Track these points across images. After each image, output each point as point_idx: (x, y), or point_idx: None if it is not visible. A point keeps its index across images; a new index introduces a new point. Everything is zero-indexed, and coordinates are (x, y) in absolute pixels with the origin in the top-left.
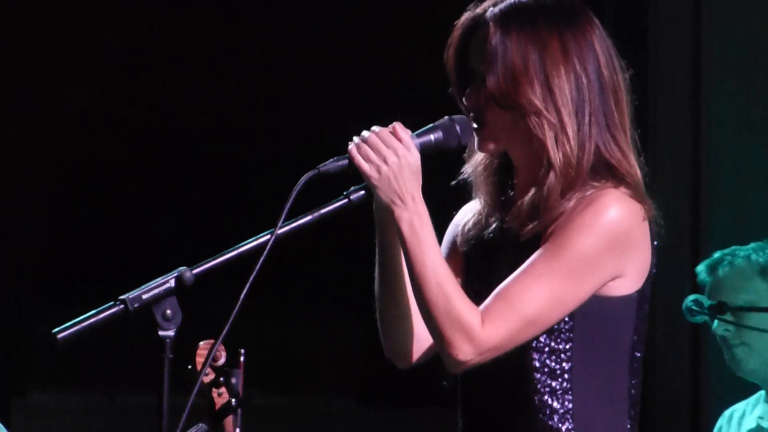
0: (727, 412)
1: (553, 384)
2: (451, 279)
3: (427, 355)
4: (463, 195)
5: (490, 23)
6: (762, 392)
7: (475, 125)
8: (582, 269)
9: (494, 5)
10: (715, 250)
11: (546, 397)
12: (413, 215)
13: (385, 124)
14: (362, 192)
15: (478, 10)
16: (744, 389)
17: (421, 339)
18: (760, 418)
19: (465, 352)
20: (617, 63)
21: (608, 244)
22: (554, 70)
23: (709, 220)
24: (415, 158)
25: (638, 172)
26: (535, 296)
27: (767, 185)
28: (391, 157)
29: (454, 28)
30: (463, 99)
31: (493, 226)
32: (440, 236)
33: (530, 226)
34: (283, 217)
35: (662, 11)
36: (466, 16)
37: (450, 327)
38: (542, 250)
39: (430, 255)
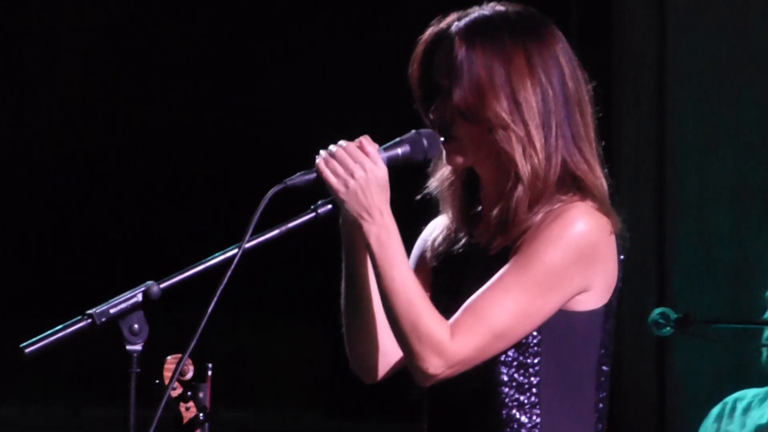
0: (729, 399)
1: (521, 398)
2: (421, 293)
3: (394, 369)
4: (428, 209)
5: (455, 37)
6: None
7: (442, 139)
8: (550, 282)
9: (458, 20)
10: (680, 263)
11: (514, 411)
12: (381, 229)
13: (352, 138)
14: (329, 206)
15: (442, 25)
16: (710, 402)
17: (388, 354)
18: None
19: (435, 365)
20: (581, 75)
21: (576, 257)
22: (520, 83)
23: (673, 233)
24: (382, 172)
25: (604, 184)
26: (503, 309)
27: (731, 198)
28: (358, 171)
29: (418, 44)
30: (429, 114)
31: (462, 241)
32: (408, 250)
33: (499, 240)
34: (249, 231)
35: (627, 26)
36: (430, 31)
37: (419, 341)
38: (511, 263)
39: (398, 269)
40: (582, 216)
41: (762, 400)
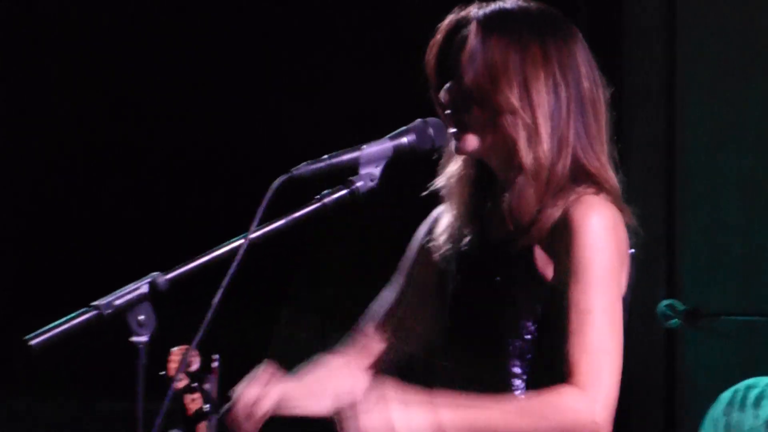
0: (741, 386)
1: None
2: (522, 406)
3: None
4: (435, 205)
5: (474, 23)
6: None
7: (453, 129)
8: (612, 284)
9: (479, 8)
10: (690, 255)
11: None
12: (440, 417)
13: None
14: (336, 195)
15: (462, 13)
16: (719, 392)
17: None
18: None
19: (599, 422)
20: (598, 78)
21: (615, 251)
22: (533, 73)
23: (683, 226)
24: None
25: (616, 183)
26: (601, 331)
27: (739, 192)
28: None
29: (437, 31)
30: (441, 95)
31: (470, 238)
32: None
33: (518, 237)
34: (256, 221)
35: (636, 23)
36: (450, 18)
37: (574, 425)
38: (572, 287)
39: (492, 416)
40: (599, 210)
41: None
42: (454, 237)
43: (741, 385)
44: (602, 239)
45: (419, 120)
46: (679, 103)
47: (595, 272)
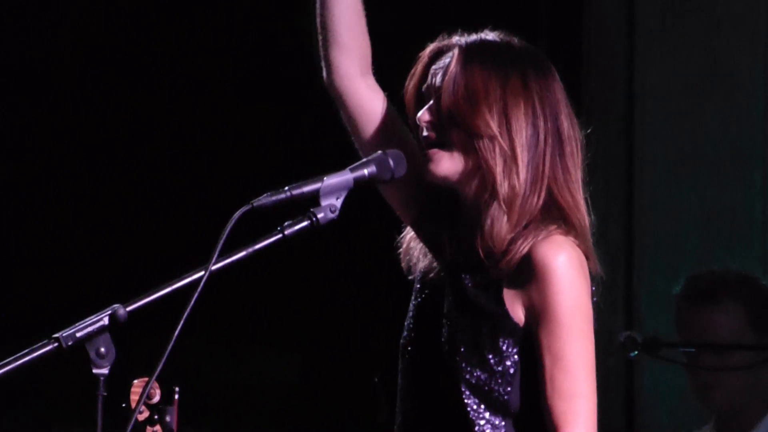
0: None
1: (495, 421)
2: None
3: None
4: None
5: (456, 50)
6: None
7: (427, 151)
8: (582, 325)
9: (461, 37)
10: (649, 287)
11: None
12: None
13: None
14: (296, 227)
15: (445, 41)
16: (679, 421)
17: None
18: None
19: None
20: (575, 119)
21: (584, 290)
22: (513, 101)
23: (642, 257)
24: None
25: (587, 222)
26: (576, 376)
27: (699, 223)
28: None
29: (417, 60)
30: (418, 114)
31: (440, 267)
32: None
33: (489, 267)
34: (216, 252)
35: (594, 52)
36: (431, 47)
37: None
38: (543, 331)
39: None
40: (566, 250)
41: None
42: (428, 266)
43: None
44: (570, 280)
45: (379, 152)
46: (638, 135)
47: (565, 316)
